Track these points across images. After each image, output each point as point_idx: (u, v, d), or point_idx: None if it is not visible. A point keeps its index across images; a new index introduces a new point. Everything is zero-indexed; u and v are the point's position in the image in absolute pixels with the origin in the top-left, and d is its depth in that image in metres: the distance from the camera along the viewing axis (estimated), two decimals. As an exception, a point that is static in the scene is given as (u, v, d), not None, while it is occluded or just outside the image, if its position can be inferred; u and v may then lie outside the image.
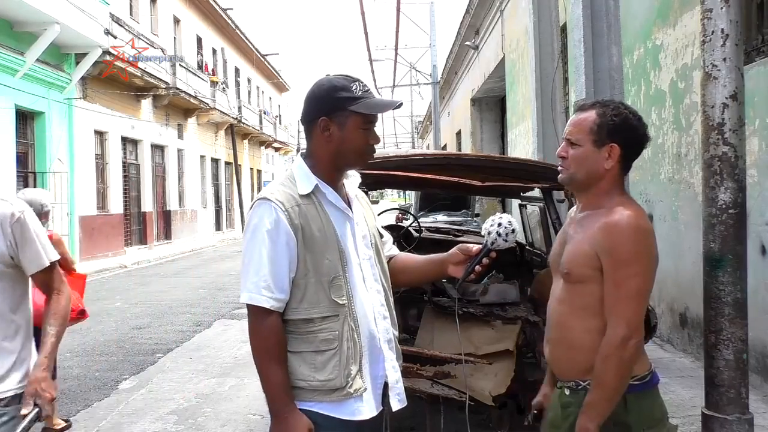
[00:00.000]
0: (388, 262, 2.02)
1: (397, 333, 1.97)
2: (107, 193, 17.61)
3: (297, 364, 1.78)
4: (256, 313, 1.76)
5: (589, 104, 1.95)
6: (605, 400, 1.80)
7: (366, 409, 1.81)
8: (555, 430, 1.97)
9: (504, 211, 11.36)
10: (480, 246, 1.94)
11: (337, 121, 1.82)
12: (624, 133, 1.88)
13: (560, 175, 1.97)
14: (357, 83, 1.84)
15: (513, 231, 1.93)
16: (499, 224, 1.93)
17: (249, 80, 34.21)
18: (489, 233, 1.93)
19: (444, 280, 3.74)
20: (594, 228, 1.86)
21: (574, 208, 2.09)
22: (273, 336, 1.76)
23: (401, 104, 1.96)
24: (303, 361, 1.78)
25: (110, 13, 16.11)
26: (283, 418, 1.75)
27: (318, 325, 1.78)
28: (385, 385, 1.89)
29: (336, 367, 1.77)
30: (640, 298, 1.82)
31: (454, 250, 1.96)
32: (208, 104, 23.78)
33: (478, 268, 1.92)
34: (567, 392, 1.94)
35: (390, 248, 2.10)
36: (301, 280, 1.78)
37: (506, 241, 1.92)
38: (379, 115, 1.90)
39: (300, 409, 1.77)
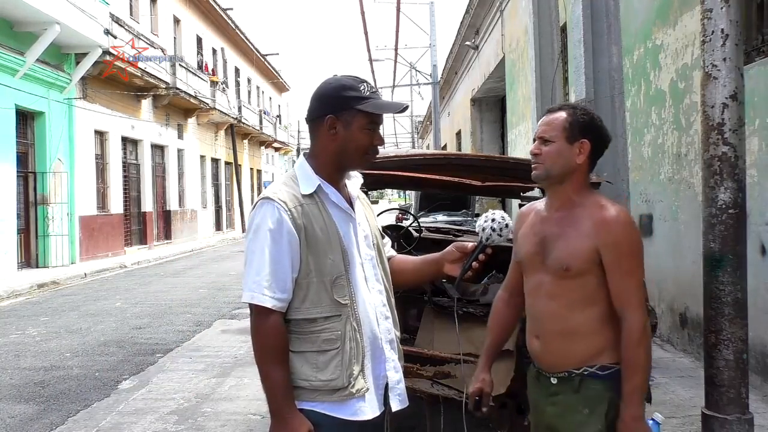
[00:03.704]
0: None
1: (398, 333, 1.97)
2: (107, 193, 17.61)
3: (299, 364, 1.78)
4: (257, 312, 1.76)
5: (557, 107, 2.12)
6: (643, 383, 1.93)
7: (368, 409, 1.81)
8: (540, 415, 2.10)
9: (504, 210, 11.35)
10: (475, 243, 1.96)
11: (344, 119, 1.82)
12: (593, 131, 2.05)
13: (535, 172, 2.06)
14: (365, 84, 1.85)
15: (507, 226, 1.98)
16: (493, 220, 1.97)
17: (249, 80, 34.22)
18: (483, 229, 1.96)
19: (444, 280, 3.74)
20: (588, 225, 1.97)
21: (539, 205, 2.16)
22: (274, 335, 1.76)
23: (407, 107, 1.97)
24: (305, 361, 1.78)
25: (110, 13, 16.12)
26: (283, 419, 1.75)
27: (320, 324, 1.78)
28: (387, 386, 1.89)
29: (338, 367, 1.77)
30: (643, 286, 2.01)
31: (449, 248, 1.98)
32: (208, 104, 23.78)
33: (474, 264, 1.93)
34: (554, 381, 2.03)
35: (388, 250, 2.10)
36: (304, 279, 1.78)
37: (501, 236, 1.96)
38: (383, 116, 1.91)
39: (301, 409, 1.76)
